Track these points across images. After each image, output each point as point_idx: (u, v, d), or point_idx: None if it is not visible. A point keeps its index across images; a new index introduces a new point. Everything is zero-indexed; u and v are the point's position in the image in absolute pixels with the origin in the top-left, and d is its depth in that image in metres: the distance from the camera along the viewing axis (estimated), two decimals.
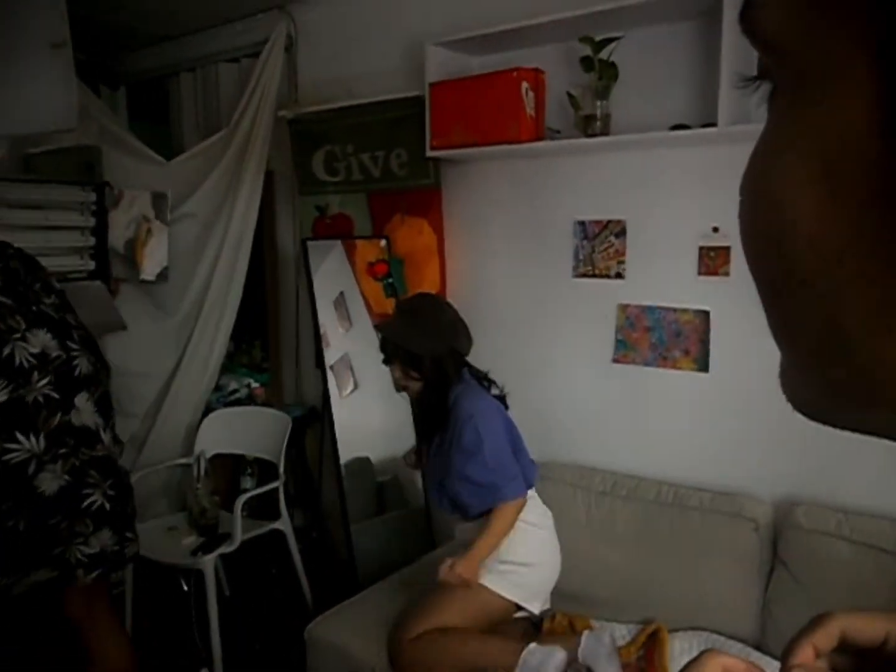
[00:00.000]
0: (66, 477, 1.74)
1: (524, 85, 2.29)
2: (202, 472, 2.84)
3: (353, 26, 2.91)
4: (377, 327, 2.23)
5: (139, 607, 2.78)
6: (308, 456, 3.25)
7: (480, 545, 1.98)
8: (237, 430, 3.06)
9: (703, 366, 2.27)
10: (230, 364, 3.47)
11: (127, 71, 3.68)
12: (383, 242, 2.90)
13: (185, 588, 2.75)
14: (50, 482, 1.72)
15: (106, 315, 2.92)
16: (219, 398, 3.29)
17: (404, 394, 2.94)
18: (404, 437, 3.02)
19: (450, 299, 2.77)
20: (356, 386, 3.07)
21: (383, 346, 2.13)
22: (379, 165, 2.85)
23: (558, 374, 2.56)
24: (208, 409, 3.17)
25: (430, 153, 2.53)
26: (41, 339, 1.71)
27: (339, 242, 2.95)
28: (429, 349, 2.04)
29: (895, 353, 0.23)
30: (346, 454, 2.85)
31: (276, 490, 2.86)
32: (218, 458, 3.04)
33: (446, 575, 1.98)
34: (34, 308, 1.75)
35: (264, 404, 3.28)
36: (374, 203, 2.93)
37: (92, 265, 2.70)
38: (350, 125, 2.87)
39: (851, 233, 0.22)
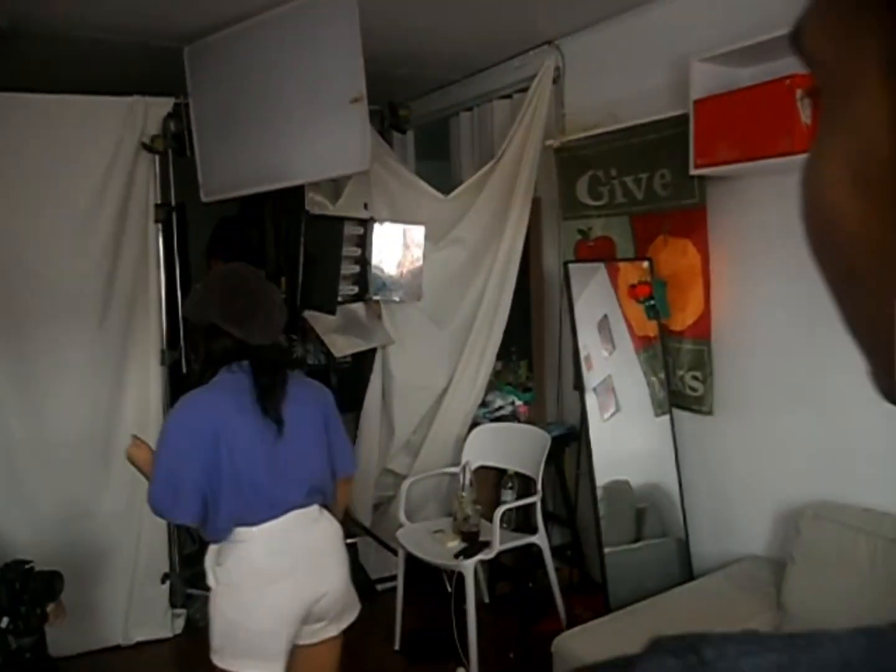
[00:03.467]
0: None
1: (799, 92, 2.14)
2: (467, 481, 3.04)
3: (618, 52, 2.95)
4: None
5: (408, 601, 3.04)
6: (567, 475, 3.31)
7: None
8: (500, 444, 3.23)
9: None
10: (497, 382, 3.65)
11: (415, 116, 4.09)
12: (646, 264, 2.87)
13: (449, 589, 2.95)
14: None
15: (373, 332, 3.29)
16: (485, 413, 3.48)
17: (661, 419, 2.91)
18: (666, 463, 2.94)
19: (715, 322, 2.67)
20: (618, 409, 3.05)
21: None
22: (642, 187, 2.84)
23: (838, 405, 2.31)
24: (475, 424, 3.39)
25: (694, 171, 2.47)
26: None
27: (603, 265, 2.98)
28: (192, 314, 1.87)
29: None
30: (605, 476, 2.85)
31: (534, 505, 2.97)
32: (482, 470, 3.23)
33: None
34: None
35: (528, 422, 3.41)
36: (637, 225, 2.92)
37: (355, 290, 3.05)
38: (613, 149, 2.91)
39: (885, 228, 0.24)
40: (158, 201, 3.08)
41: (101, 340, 3.01)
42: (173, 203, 3.12)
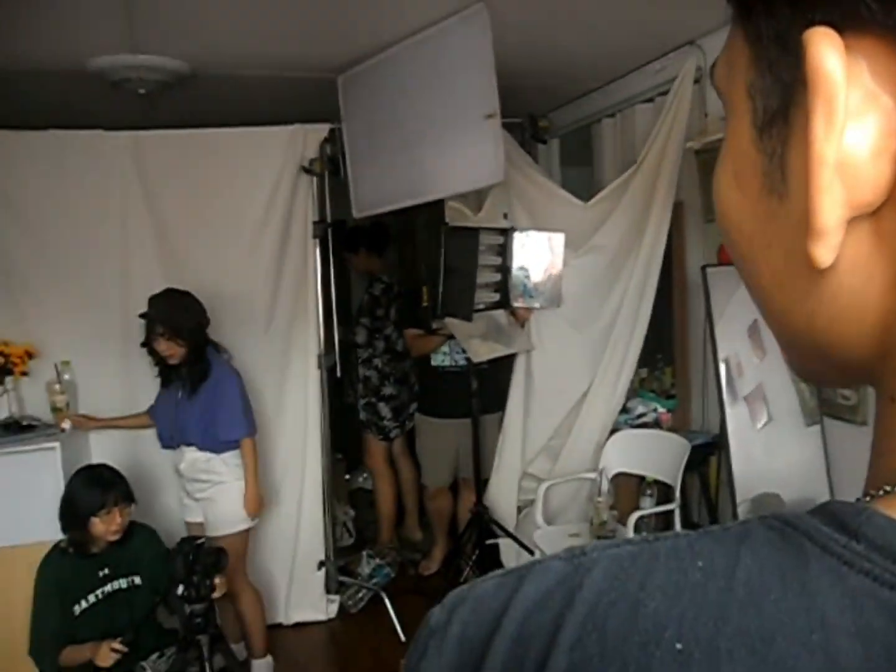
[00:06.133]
0: None
1: None
2: (604, 487, 3.04)
3: None
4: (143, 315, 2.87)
5: None
6: (710, 484, 3.21)
7: (252, 479, 2.86)
8: (639, 451, 3.20)
9: None
10: (640, 389, 3.61)
11: (558, 125, 4.15)
12: None
13: None
14: None
15: (513, 338, 3.36)
16: (626, 420, 3.46)
17: (812, 429, 2.76)
18: (818, 477, 2.78)
19: None
20: (770, 418, 2.94)
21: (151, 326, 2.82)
22: None
23: None
24: (615, 430, 3.38)
25: None
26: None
27: None
28: (191, 320, 2.86)
29: (796, 309, 0.31)
30: (754, 489, 2.76)
31: (673, 513, 2.92)
32: (621, 476, 3.22)
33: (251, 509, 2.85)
34: None
35: (670, 430, 3.35)
36: None
37: (496, 297, 3.13)
38: None
39: (753, 216, 0.31)
40: (316, 219, 3.37)
41: (267, 345, 3.33)
42: (329, 220, 3.39)
